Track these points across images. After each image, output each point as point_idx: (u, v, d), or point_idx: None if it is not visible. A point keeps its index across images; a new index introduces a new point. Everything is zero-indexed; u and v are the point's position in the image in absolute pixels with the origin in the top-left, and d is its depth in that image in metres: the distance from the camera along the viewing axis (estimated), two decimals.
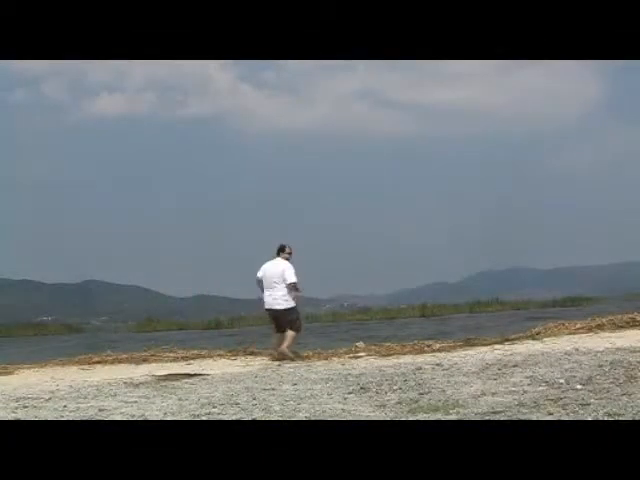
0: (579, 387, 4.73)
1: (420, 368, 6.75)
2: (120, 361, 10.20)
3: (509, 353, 7.68)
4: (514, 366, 6.38)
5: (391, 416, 4.27)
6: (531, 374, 5.72)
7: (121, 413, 5.08)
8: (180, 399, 5.63)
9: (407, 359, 8.18)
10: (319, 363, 8.60)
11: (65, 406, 5.63)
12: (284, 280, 9.13)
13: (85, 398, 6.12)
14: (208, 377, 7.37)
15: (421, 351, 9.20)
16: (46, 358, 10.52)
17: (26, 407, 5.72)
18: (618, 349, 7.31)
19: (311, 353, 9.60)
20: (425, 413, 4.28)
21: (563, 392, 4.60)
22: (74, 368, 9.42)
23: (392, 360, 8.15)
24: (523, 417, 3.93)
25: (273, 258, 9.41)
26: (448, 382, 5.56)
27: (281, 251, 9.43)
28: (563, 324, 10.53)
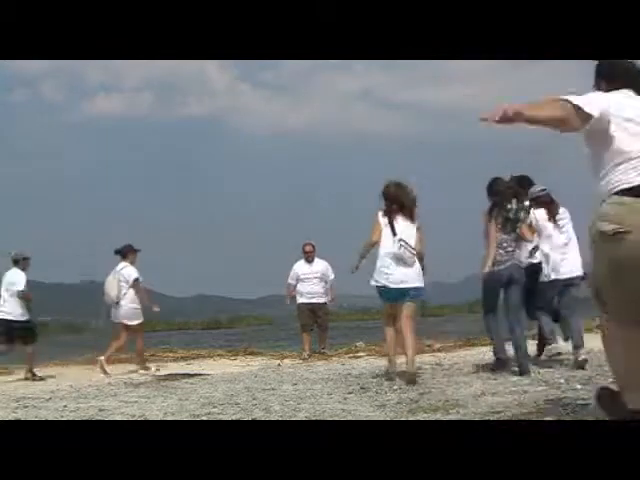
0: (579, 387, 4.73)
1: (420, 368, 6.75)
2: (120, 361, 10.20)
3: (509, 353, 7.66)
4: (514, 366, 6.38)
5: (391, 416, 4.27)
6: (531, 374, 5.72)
7: (121, 413, 5.08)
8: (180, 399, 5.63)
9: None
10: (319, 363, 8.60)
11: (65, 406, 5.63)
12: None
13: (85, 398, 6.12)
14: (208, 377, 7.37)
15: (421, 351, 9.20)
16: (46, 358, 10.51)
17: (26, 407, 5.72)
18: None
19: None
20: (425, 413, 4.28)
21: (563, 392, 4.60)
22: (74, 368, 9.42)
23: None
24: (523, 417, 3.92)
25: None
26: (448, 382, 5.56)
27: None
28: None
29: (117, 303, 8.71)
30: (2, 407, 5.79)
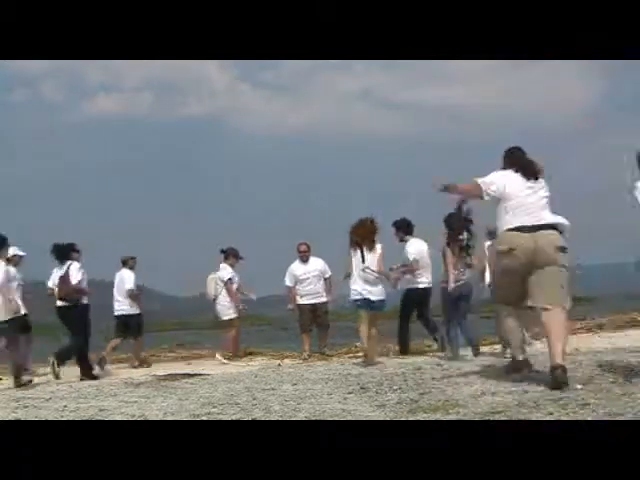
0: (579, 387, 4.72)
1: (420, 368, 6.74)
2: (120, 361, 10.19)
3: (509, 353, 7.66)
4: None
5: (391, 416, 4.27)
6: (531, 374, 5.71)
7: (121, 413, 5.08)
8: (180, 399, 5.63)
9: (407, 359, 8.18)
10: (319, 363, 8.60)
11: (65, 406, 5.63)
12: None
13: (85, 398, 6.12)
14: (208, 377, 7.37)
15: (421, 351, 9.20)
16: (46, 358, 10.50)
17: (26, 407, 5.72)
18: (618, 349, 7.30)
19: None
20: (425, 413, 4.27)
21: (563, 392, 4.60)
22: (74, 368, 9.41)
23: (392, 360, 8.14)
24: (523, 417, 3.92)
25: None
26: (448, 382, 5.55)
27: None
28: None
29: (214, 300, 9.82)
30: (2, 407, 5.79)
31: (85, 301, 8.36)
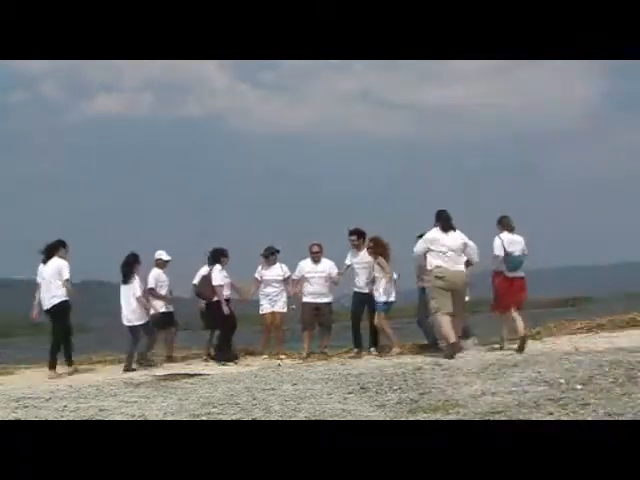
0: (579, 387, 4.73)
1: (420, 368, 6.74)
2: (120, 361, 10.16)
3: (509, 353, 7.67)
4: (514, 366, 6.37)
5: (391, 416, 4.27)
6: (531, 374, 5.71)
7: (121, 413, 5.08)
8: (180, 399, 5.63)
9: (407, 359, 8.17)
10: (319, 363, 8.59)
11: (65, 406, 5.63)
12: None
13: (85, 398, 6.12)
14: (208, 377, 7.37)
15: (421, 351, 9.19)
16: (46, 358, 10.49)
17: (26, 407, 5.72)
18: (618, 349, 7.30)
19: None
20: (425, 413, 4.28)
21: (563, 392, 4.60)
22: (74, 368, 9.40)
23: (392, 360, 8.14)
24: (523, 417, 3.93)
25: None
26: (448, 382, 5.55)
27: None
28: (563, 324, 10.51)
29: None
30: (2, 407, 5.79)
31: (222, 299, 9.33)
